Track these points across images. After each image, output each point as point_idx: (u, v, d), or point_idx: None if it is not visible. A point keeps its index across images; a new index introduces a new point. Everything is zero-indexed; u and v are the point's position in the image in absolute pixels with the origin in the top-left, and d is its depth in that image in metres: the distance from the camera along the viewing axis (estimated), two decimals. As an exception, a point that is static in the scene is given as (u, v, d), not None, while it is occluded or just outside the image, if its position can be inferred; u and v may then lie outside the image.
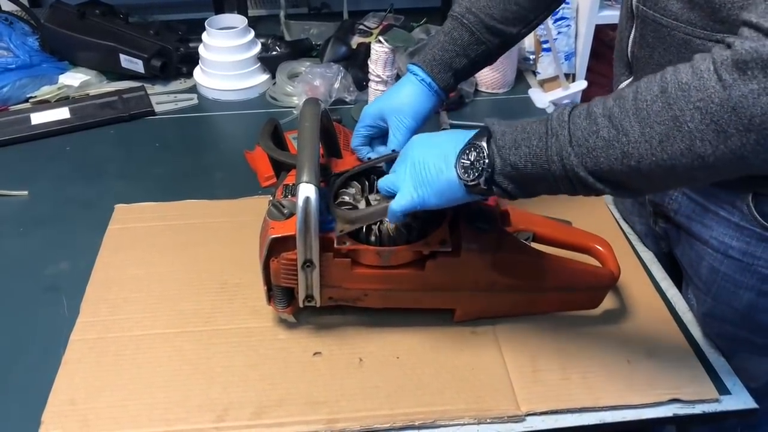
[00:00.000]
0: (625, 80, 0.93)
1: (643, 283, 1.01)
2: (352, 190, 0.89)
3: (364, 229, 0.84)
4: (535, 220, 0.96)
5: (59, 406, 0.82)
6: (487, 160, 0.69)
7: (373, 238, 0.84)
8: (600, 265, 0.94)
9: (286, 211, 0.84)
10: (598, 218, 1.12)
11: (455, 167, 0.72)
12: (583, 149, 0.64)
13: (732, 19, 0.73)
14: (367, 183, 0.91)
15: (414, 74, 0.93)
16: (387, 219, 0.80)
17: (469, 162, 0.71)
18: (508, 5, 0.92)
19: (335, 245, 0.83)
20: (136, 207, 1.13)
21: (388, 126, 0.92)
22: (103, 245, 1.05)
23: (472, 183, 0.71)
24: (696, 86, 0.59)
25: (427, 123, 0.93)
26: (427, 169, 0.75)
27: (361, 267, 0.86)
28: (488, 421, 0.82)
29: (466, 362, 0.89)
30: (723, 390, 0.87)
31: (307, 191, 0.77)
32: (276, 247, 0.84)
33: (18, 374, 0.87)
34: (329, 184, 0.88)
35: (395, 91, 0.93)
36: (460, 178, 0.72)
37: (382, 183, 0.81)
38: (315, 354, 0.89)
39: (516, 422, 0.82)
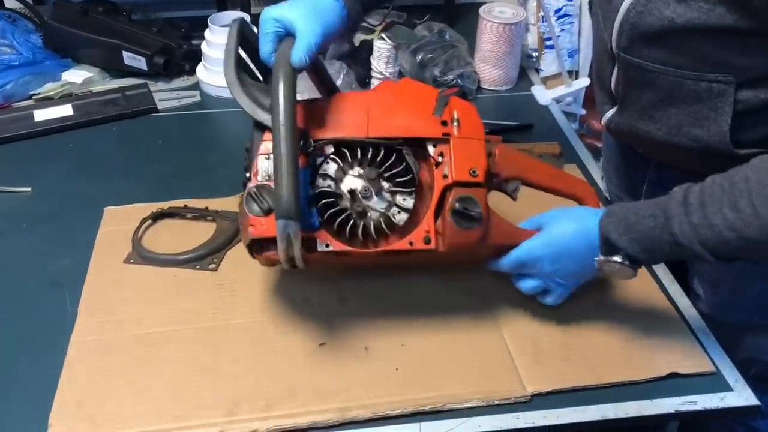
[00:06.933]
0: (609, 109, 0.98)
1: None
2: (333, 167, 0.84)
3: (350, 224, 0.82)
4: (524, 165, 0.92)
5: (66, 407, 0.81)
6: (631, 268, 0.81)
7: (359, 231, 0.82)
8: None
9: (264, 206, 0.79)
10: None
11: (597, 268, 0.83)
12: (717, 252, 0.74)
13: (724, 61, 0.78)
14: (348, 154, 0.85)
15: None
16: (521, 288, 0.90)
17: (614, 269, 0.82)
18: None
19: (318, 248, 0.80)
20: (125, 209, 1.12)
21: (294, 32, 0.82)
22: (96, 248, 1.04)
23: (618, 278, 0.86)
24: None
25: (332, 41, 0.86)
26: (566, 276, 0.87)
27: (346, 256, 0.83)
28: (496, 402, 0.83)
29: (469, 346, 0.90)
30: (725, 387, 0.86)
31: (288, 228, 0.73)
32: (256, 245, 0.81)
33: (23, 369, 0.87)
34: (307, 161, 0.82)
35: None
36: (603, 273, 0.84)
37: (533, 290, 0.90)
38: (320, 345, 0.90)
39: (523, 402, 0.84)
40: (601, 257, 0.82)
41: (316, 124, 0.83)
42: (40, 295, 0.97)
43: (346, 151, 0.84)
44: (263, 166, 0.81)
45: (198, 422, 0.80)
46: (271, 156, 0.76)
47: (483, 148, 0.87)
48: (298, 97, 0.79)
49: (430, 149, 0.86)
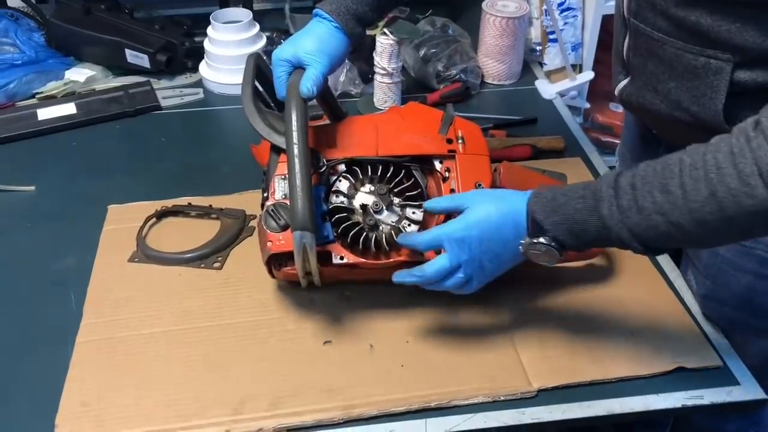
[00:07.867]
0: (623, 79, 0.97)
1: (642, 259, 1.02)
2: (345, 184, 0.89)
3: (363, 237, 0.85)
4: (528, 180, 0.93)
5: (72, 408, 0.82)
6: (557, 251, 0.76)
7: (372, 243, 0.86)
8: None
9: (282, 222, 0.83)
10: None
11: (522, 253, 0.78)
12: (644, 239, 0.72)
13: (722, 39, 0.78)
14: (360, 172, 0.89)
15: (327, 20, 0.91)
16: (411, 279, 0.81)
17: (540, 252, 0.77)
18: None
19: (333, 261, 0.84)
20: (129, 207, 1.12)
21: (303, 65, 0.89)
22: (100, 246, 1.04)
23: (543, 262, 0.78)
24: (745, 193, 0.64)
25: (340, 65, 0.94)
26: (491, 260, 0.79)
27: (359, 269, 0.87)
28: (501, 398, 0.83)
29: (474, 342, 0.90)
30: (732, 381, 0.86)
31: (304, 239, 0.77)
32: (275, 260, 0.85)
33: (28, 369, 0.87)
34: (321, 179, 0.87)
35: (308, 34, 0.91)
36: (528, 258, 0.79)
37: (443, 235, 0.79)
38: (325, 343, 0.90)
39: (528, 397, 0.84)
40: (528, 240, 0.77)
41: (329, 146, 0.89)
42: (45, 294, 0.97)
43: (357, 169, 0.89)
44: (280, 186, 0.87)
45: (204, 421, 0.80)
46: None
47: (488, 163, 0.91)
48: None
49: (437, 165, 0.90)
